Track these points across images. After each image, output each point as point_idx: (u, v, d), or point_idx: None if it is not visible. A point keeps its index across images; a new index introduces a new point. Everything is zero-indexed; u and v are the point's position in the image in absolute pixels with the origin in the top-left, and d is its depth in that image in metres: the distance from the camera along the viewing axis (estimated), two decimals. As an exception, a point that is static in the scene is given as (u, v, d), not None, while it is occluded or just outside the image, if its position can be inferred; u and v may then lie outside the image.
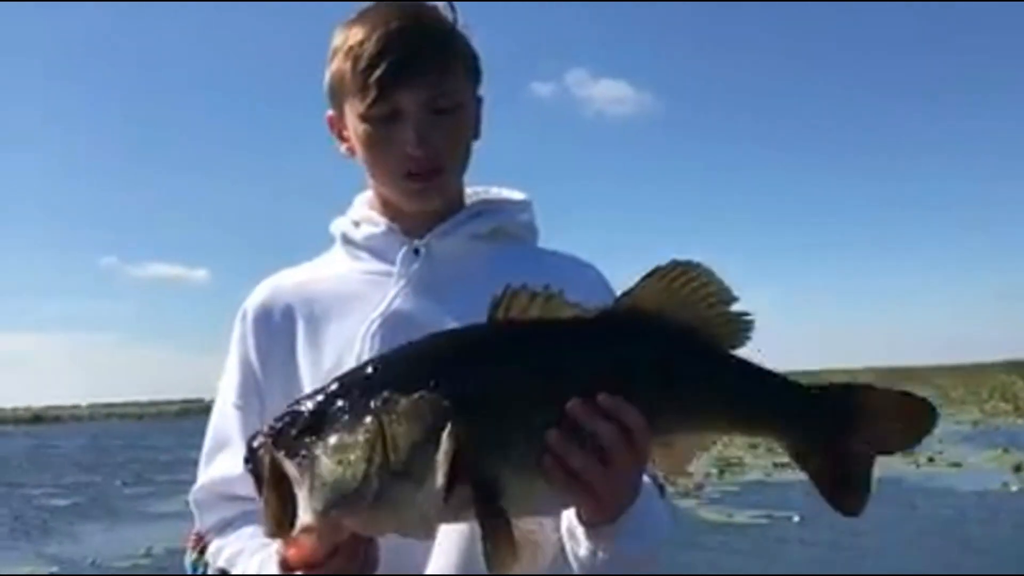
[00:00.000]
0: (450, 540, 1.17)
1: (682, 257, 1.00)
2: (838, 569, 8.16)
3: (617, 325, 1.00)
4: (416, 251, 1.28)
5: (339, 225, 1.37)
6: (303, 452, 0.91)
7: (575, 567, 1.13)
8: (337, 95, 1.29)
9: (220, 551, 1.26)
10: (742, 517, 10.73)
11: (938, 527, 9.73)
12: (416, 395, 0.91)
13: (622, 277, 1.34)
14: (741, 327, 1.02)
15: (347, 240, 1.34)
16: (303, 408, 0.94)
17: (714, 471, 14.36)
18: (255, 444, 0.94)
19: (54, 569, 10.37)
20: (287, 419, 0.94)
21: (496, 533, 0.92)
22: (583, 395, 0.95)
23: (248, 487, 1.25)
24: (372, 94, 1.22)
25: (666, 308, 1.00)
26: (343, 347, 1.24)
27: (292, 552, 0.97)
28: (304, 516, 0.91)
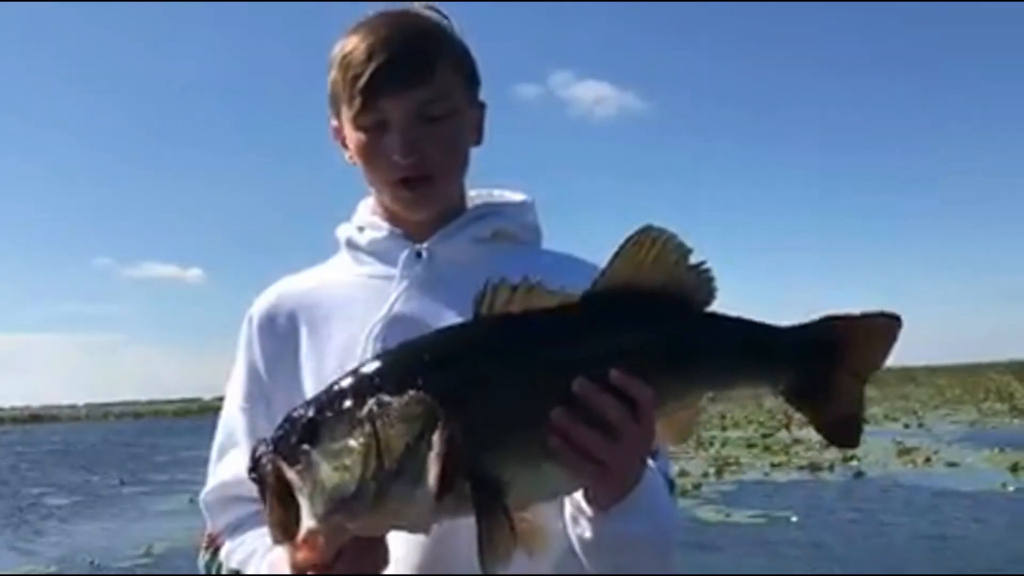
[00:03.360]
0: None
1: (641, 224, 1.03)
2: (835, 569, 8.18)
3: (599, 304, 1.02)
4: (419, 254, 1.30)
5: (344, 231, 1.38)
6: (303, 459, 0.93)
7: (580, 553, 1.13)
8: (335, 103, 1.31)
9: (232, 552, 1.28)
10: (739, 516, 10.74)
11: (935, 527, 9.74)
12: (407, 396, 0.93)
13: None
14: (707, 278, 1.05)
15: (351, 245, 1.36)
16: (301, 415, 0.96)
17: (711, 471, 14.36)
18: (257, 454, 0.97)
19: (52, 569, 10.36)
20: (286, 427, 0.96)
21: (492, 526, 0.93)
22: (575, 376, 0.97)
23: (255, 488, 1.27)
24: (358, 103, 1.23)
25: (638, 278, 1.02)
26: (346, 351, 1.25)
27: (301, 556, 0.99)
28: (307, 521, 0.93)
